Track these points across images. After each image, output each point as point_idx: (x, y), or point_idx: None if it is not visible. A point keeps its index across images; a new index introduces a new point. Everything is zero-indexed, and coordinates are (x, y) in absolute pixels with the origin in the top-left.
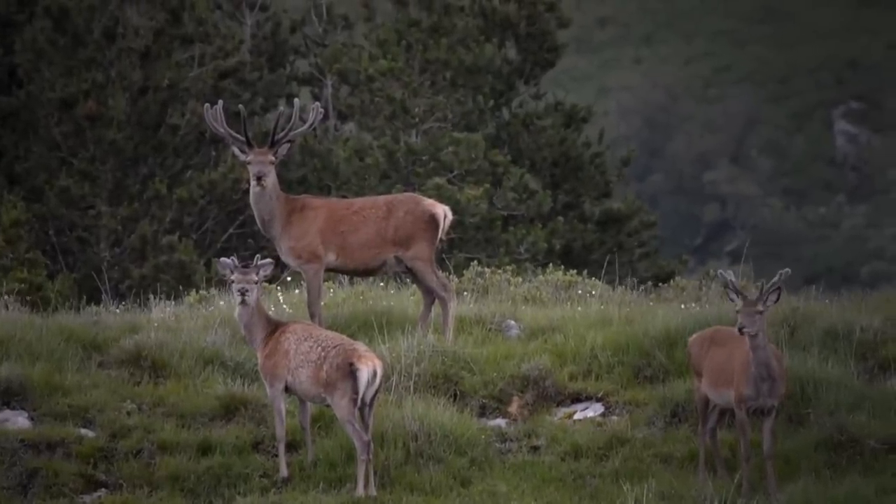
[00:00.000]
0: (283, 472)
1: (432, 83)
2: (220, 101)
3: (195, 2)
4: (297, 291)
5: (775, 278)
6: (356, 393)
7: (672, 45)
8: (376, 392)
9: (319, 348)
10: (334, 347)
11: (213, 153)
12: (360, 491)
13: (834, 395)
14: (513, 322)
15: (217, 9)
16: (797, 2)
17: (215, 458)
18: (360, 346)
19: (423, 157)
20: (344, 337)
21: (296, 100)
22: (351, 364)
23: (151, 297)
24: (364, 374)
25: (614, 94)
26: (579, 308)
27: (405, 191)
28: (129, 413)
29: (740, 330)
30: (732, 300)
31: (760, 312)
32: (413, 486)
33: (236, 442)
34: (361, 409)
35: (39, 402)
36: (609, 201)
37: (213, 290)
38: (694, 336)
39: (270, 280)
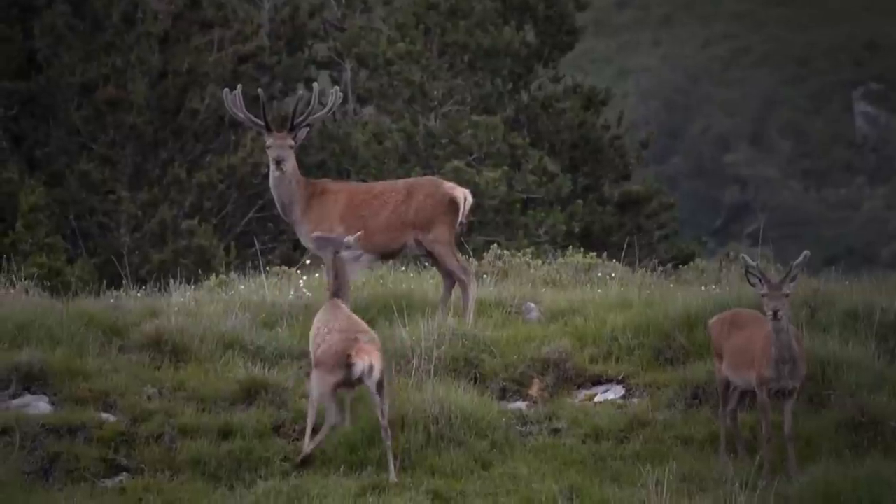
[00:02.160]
0: (308, 449)
1: (451, 66)
2: (240, 86)
3: None
4: (316, 275)
5: (799, 259)
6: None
7: (690, 27)
8: (380, 382)
9: (325, 329)
10: (339, 332)
11: (233, 137)
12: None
13: (855, 376)
14: (533, 305)
15: None
16: None
17: (236, 441)
18: (364, 337)
19: (442, 141)
20: (353, 324)
21: (315, 84)
22: (349, 356)
23: (171, 281)
24: (358, 369)
25: (633, 77)
26: (599, 290)
27: (424, 174)
28: (149, 397)
29: (775, 314)
30: (753, 285)
31: (787, 295)
32: (434, 468)
33: (257, 426)
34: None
35: (60, 387)
36: (628, 184)
37: (233, 275)
38: (714, 318)
39: (290, 264)
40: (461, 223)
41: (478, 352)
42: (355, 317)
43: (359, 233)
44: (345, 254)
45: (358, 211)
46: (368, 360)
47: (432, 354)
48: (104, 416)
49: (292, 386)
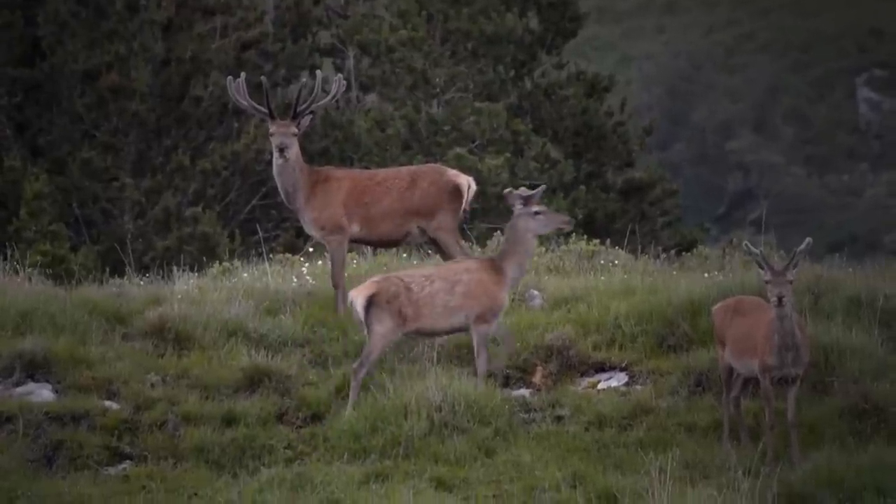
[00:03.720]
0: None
1: (453, 53)
2: (243, 73)
3: None
4: (319, 263)
5: (802, 246)
6: None
7: (694, 13)
8: (369, 322)
9: None
10: None
11: (236, 125)
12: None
13: (858, 362)
14: (536, 292)
15: None
16: None
17: (239, 429)
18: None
19: (445, 128)
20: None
21: (318, 71)
22: None
23: (175, 268)
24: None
25: (636, 64)
26: (602, 277)
27: (427, 161)
28: (153, 385)
29: (779, 300)
30: (760, 271)
31: (791, 282)
32: (437, 456)
33: (260, 413)
34: None
35: (63, 375)
36: (631, 170)
37: (237, 262)
38: (717, 305)
39: (293, 251)
40: (464, 210)
41: None
42: (441, 269)
43: (541, 186)
44: (519, 208)
45: (361, 198)
46: (352, 294)
47: (435, 342)
48: (107, 403)
49: (295, 373)
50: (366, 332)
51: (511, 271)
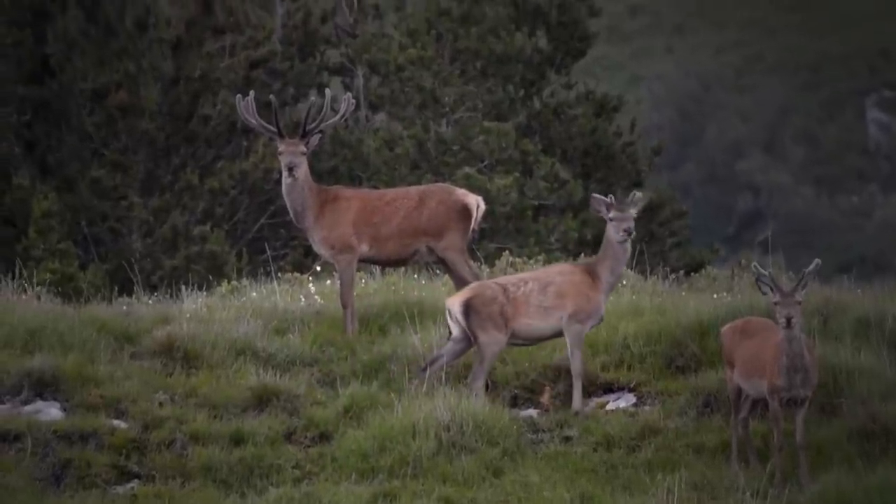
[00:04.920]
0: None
1: (463, 72)
2: (252, 92)
3: None
4: (328, 282)
5: (811, 267)
6: None
7: (703, 34)
8: (471, 328)
9: None
10: None
11: (245, 143)
12: None
13: (867, 384)
14: None
15: None
16: None
17: (248, 448)
18: (474, 284)
19: (454, 147)
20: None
21: (327, 90)
22: None
23: (183, 287)
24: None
25: (646, 84)
26: (611, 298)
27: (436, 181)
28: (161, 404)
29: (788, 322)
30: (765, 293)
31: (799, 303)
32: (445, 476)
33: (269, 433)
34: None
35: (72, 393)
36: (640, 191)
37: (245, 281)
38: (726, 326)
39: (301, 270)
40: (473, 230)
41: None
42: (536, 272)
43: (636, 194)
44: (603, 212)
45: (370, 218)
46: (448, 302)
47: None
48: (116, 422)
49: (304, 393)
50: (455, 334)
51: (605, 276)
